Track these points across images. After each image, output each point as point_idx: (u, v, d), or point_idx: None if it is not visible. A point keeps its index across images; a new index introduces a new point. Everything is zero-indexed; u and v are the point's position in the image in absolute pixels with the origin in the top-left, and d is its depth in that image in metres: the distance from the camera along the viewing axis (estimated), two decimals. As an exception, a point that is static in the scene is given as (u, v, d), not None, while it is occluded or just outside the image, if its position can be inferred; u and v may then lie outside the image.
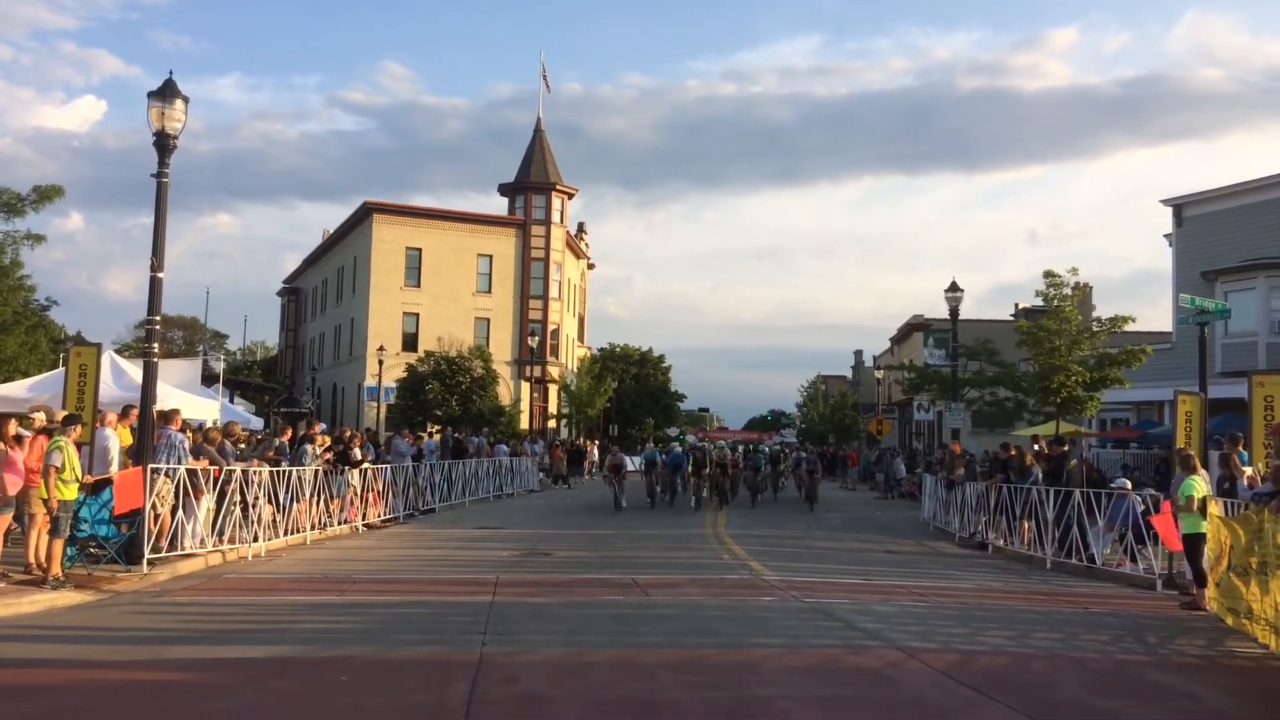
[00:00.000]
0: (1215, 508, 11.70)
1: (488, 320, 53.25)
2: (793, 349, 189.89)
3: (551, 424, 51.52)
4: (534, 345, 51.55)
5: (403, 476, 22.46)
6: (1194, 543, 12.20)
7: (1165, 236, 35.73)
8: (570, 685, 7.68)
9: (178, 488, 13.52)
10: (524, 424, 49.01)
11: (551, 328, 54.47)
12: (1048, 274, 26.86)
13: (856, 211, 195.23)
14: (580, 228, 66.72)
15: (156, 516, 13.02)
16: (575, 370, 55.56)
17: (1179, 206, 34.38)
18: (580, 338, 65.03)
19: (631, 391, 58.44)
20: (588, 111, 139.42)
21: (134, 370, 17.69)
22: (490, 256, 53.98)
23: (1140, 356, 26.37)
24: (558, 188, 55.08)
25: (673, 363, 65.90)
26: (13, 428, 11.92)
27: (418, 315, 51.87)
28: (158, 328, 13.95)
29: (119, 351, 25.90)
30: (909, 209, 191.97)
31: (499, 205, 56.73)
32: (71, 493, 11.61)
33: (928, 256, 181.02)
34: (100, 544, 12.82)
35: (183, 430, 14.80)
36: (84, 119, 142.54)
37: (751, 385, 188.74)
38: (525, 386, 52.85)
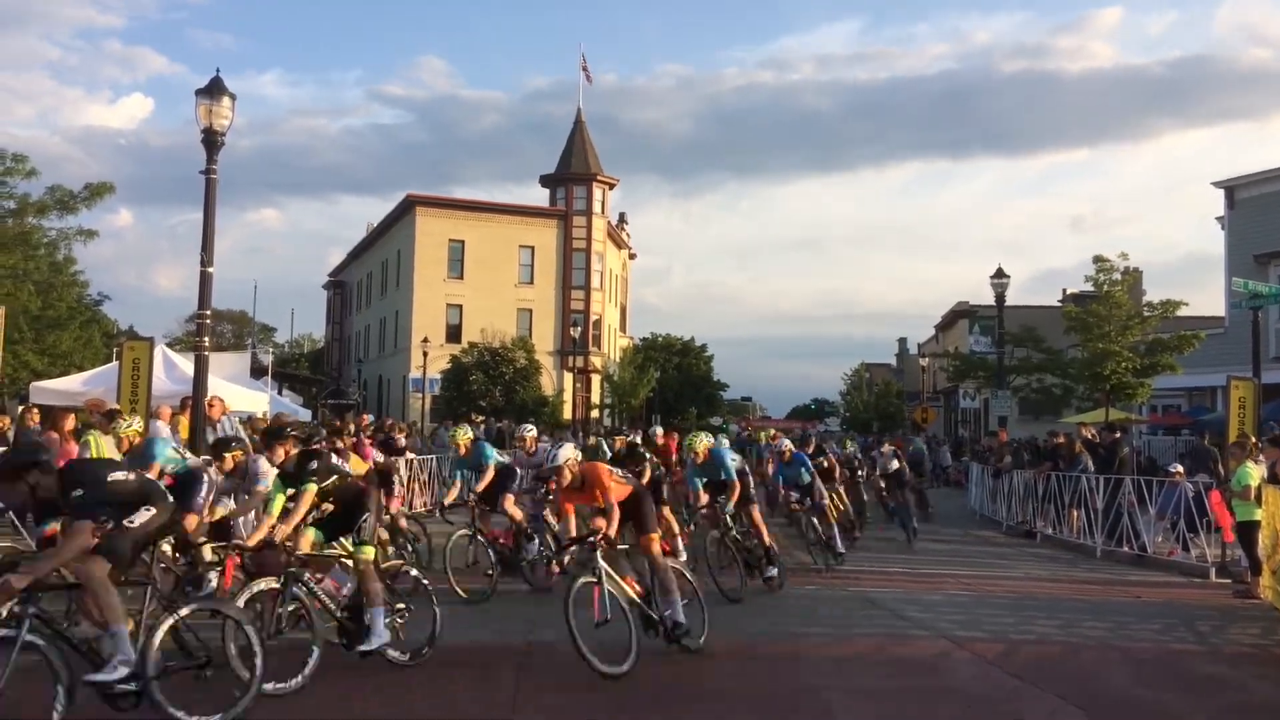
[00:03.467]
0: (1272, 494, 11.49)
1: (530, 311, 53.51)
2: (834, 338, 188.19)
3: (594, 414, 51.68)
4: (576, 336, 51.73)
5: (446, 466, 22.61)
6: (1249, 530, 12.01)
7: (1217, 219, 35.04)
8: (616, 674, 7.72)
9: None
10: (567, 414, 49.21)
11: (594, 318, 54.62)
12: (1097, 259, 26.47)
13: (896, 198, 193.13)
14: (621, 218, 66.76)
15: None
16: (618, 360, 55.66)
17: (1231, 189, 33.67)
18: (622, 328, 65.10)
19: (674, 381, 58.30)
20: (624, 102, 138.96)
21: (185, 364, 17.99)
22: (532, 248, 54.22)
23: (1192, 342, 25.91)
24: (598, 178, 55.15)
25: (714, 352, 65.63)
26: (71, 422, 12.18)
27: (461, 307, 52.26)
28: (208, 322, 14.19)
29: (170, 345, 26.35)
30: (950, 195, 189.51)
31: (539, 197, 56.96)
32: None
33: (970, 243, 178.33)
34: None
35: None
36: (131, 117, 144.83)
37: (794, 375, 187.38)
38: (568, 377, 53.07)
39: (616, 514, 7.98)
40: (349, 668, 7.83)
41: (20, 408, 19.09)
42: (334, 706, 6.83)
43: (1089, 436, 18.57)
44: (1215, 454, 17.40)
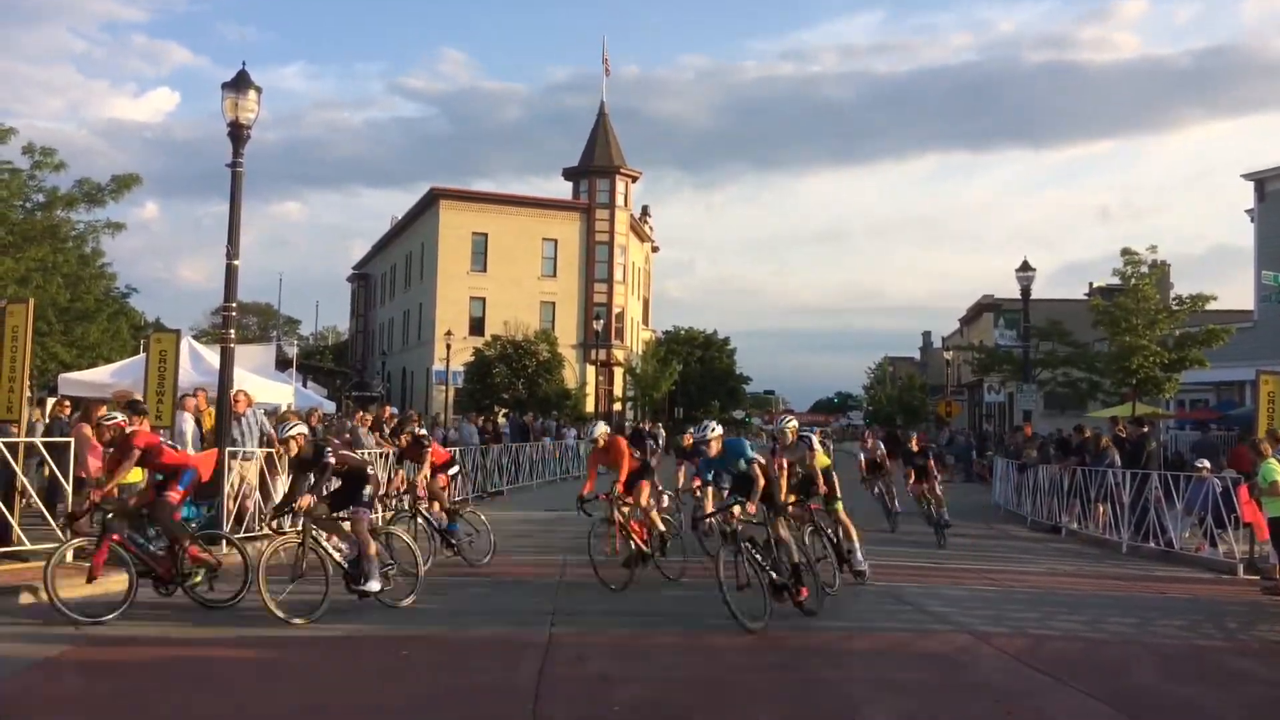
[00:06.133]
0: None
1: (553, 304, 53.57)
2: (857, 331, 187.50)
3: (617, 406, 51.71)
4: (599, 329, 51.76)
5: (470, 460, 22.71)
6: (1277, 526, 11.87)
7: (1247, 212, 34.63)
8: (638, 666, 7.75)
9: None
10: (589, 407, 49.27)
11: (616, 311, 54.61)
12: (1125, 252, 26.22)
13: (919, 191, 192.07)
14: (644, 210, 66.67)
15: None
16: (640, 353, 55.66)
17: (1261, 180, 33.25)
18: (645, 321, 65.05)
19: (696, 374, 58.19)
20: (645, 94, 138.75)
21: (211, 355, 18.12)
22: (555, 241, 54.27)
23: (1221, 336, 25.61)
24: (621, 171, 55.10)
25: (737, 345, 65.40)
26: (102, 413, 12.28)
27: (484, 300, 52.39)
28: (234, 314, 14.25)
29: (196, 337, 26.55)
30: (974, 187, 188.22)
31: (561, 189, 57.02)
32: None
33: (993, 235, 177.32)
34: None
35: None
36: (156, 110, 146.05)
37: (817, 368, 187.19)
38: (591, 370, 53.13)
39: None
40: (377, 648, 7.91)
41: (51, 399, 19.31)
42: (358, 687, 6.89)
43: (1120, 431, 18.39)
44: (1220, 446, 17.26)
